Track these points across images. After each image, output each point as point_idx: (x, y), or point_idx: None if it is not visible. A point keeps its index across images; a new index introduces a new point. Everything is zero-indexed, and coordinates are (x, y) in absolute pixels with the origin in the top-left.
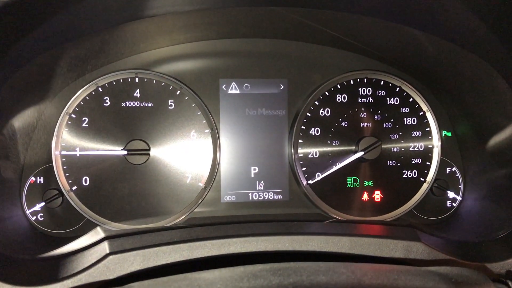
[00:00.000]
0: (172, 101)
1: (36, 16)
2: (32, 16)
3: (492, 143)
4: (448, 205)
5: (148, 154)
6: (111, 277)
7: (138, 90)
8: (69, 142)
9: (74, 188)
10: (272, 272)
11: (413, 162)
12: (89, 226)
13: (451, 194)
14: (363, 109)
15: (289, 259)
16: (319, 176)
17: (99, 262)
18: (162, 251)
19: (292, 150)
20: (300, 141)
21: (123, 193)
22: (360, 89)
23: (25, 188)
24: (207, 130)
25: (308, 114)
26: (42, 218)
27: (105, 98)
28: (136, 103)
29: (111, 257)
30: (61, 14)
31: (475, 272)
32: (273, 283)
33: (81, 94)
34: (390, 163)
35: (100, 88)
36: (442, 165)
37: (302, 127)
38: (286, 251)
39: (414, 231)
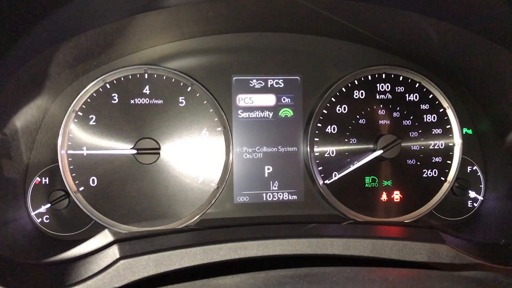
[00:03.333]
0: (183, 98)
1: (42, 7)
2: (38, 7)
3: None
4: (469, 205)
5: (158, 153)
6: (122, 283)
7: (147, 87)
8: (75, 141)
9: (81, 189)
10: (299, 278)
11: (433, 160)
12: (97, 229)
13: (472, 194)
14: (381, 105)
15: (306, 263)
16: (336, 176)
17: (109, 267)
18: (176, 255)
19: (308, 149)
20: (316, 139)
21: (133, 194)
22: (378, 85)
23: (30, 189)
24: (219, 128)
25: (324, 111)
26: (48, 220)
27: (113, 95)
28: (145, 100)
29: (122, 261)
30: (68, 4)
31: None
32: None
33: (88, 90)
34: (409, 162)
35: (108, 85)
36: (462, 163)
37: (318, 124)
38: (305, 254)
39: (437, 233)
